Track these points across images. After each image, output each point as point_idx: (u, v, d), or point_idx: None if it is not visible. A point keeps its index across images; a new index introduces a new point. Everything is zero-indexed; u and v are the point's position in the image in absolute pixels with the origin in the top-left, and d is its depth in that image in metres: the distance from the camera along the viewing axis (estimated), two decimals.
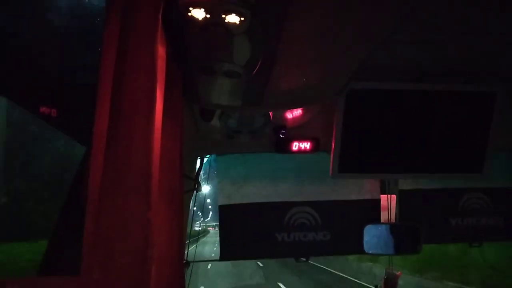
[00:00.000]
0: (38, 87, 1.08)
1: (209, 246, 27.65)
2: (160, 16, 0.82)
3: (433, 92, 1.83)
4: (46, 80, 1.11)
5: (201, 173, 2.50)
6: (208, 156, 2.63)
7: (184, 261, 2.07)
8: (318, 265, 17.97)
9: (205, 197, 3.16)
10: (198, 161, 2.48)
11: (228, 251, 2.59)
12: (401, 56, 1.54)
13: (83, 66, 1.16)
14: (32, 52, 1.01)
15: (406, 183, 2.71)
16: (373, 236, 2.42)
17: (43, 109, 1.10)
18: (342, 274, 16.20)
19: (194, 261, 2.43)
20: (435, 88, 1.82)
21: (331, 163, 1.92)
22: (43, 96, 1.11)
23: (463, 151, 1.99)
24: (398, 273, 2.90)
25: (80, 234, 0.69)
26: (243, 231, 2.61)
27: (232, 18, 0.97)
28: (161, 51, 0.88)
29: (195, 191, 2.29)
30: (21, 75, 1.01)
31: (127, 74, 0.75)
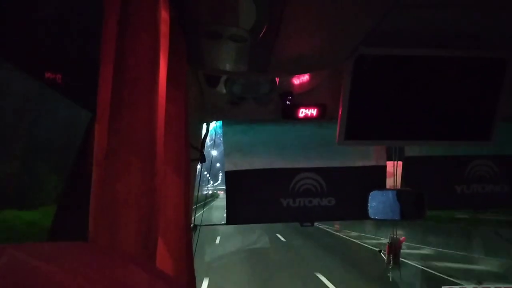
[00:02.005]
0: (42, 52, 1.07)
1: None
2: None
3: (442, 58, 1.79)
4: (50, 45, 1.09)
5: (207, 139, 2.51)
6: (214, 122, 2.63)
7: (192, 225, 2.11)
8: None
9: (211, 161, 3.18)
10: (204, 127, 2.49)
11: (234, 216, 2.65)
12: (411, 21, 1.50)
13: (86, 30, 1.14)
14: (35, 16, 0.99)
15: (413, 150, 2.71)
16: (378, 202, 2.44)
17: (48, 75, 1.09)
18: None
19: (201, 225, 2.48)
20: (444, 53, 1.77)
21: (337, 130, 1.91)
22: (47, 61, 1.09)
23: (471, 118, 1.96)
24: (402, 238, 2.95)
25: (87, 200, 0.70)
26: (249, 197, 2.65)
27: None
28: (164, 15, 0.86)
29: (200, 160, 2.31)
30: (25, 40, 0.99)
31: (129, 39, 0.74)
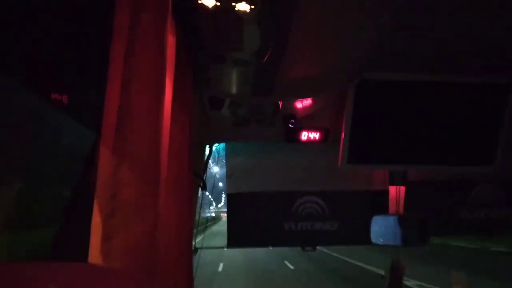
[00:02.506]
0: (49, 73, 1.09)
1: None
2: (170, 4, 0.82)
3: (445, 83, 1.80)
4: (56, 66, 1.11)
5: (210, 160, 2.52)
6: (217, 144, 2.63)
7: (193, 248, 2.09)
8: None
9: (213, 183, 3.17)
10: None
11: (235, 239, 2.62)
12: (413, 46, 1.52)
13: (93, 51, 1.16)
14: (42, 38, 1.01)
15: (416, 175, 2.69)
16: (380, 227, 2.41)
17: (54, 95, 1.10)
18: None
19: (202, 248, 2.46)
20: (447, 79, 1.79)
21: (340, 154, 1.92)
22: (54, 82, 1.11)
23: (474, 143, 1.96)
24: (404, 264, 2.90)
25: (89, 221, 0.70)
26: (251, 220, 2.63)
27: (243, 6, 0.96)
28: (171, 39, 0.88)
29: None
30: (32, 61, 1.01)
31: (136, 62, 0.75)
